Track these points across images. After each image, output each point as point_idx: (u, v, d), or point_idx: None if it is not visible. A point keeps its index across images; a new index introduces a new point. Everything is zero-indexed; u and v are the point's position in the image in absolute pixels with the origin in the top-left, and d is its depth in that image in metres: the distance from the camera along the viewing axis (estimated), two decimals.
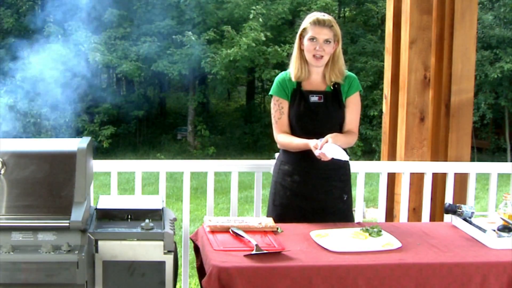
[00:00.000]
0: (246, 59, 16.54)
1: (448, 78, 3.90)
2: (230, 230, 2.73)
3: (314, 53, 3.06)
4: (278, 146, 3.21)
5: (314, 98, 3.10)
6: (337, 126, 3.11)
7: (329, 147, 2.82)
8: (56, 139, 3.02)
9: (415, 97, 3.90)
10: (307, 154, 3.03)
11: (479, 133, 17.59)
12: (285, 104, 3.14)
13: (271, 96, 3.19)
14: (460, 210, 2.92)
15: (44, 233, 2.52)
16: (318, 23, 3.06)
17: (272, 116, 3.19)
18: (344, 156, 2.85)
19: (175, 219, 2.80)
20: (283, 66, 3.33)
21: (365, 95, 16.53)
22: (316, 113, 3.09)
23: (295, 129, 3.13)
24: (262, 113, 19.97)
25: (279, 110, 3.15)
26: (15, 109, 15.27)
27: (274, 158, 3.31)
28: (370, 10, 19.31)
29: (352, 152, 15.42)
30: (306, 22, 3.12)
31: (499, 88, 16.83)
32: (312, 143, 2.92)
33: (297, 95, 3.12)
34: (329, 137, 2.87)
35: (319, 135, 2.94)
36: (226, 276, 2.34)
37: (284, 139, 3.14)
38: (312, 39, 3.06)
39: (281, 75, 3.22)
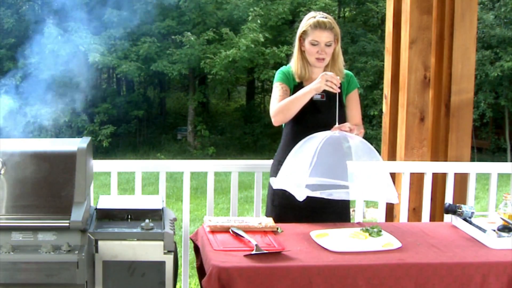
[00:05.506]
0: (245, 60, 16.55)
1: (448, 78, 3.90)
2: (230, 230, 2.73)
3: (317, 56, 3.07)
4: (276, 119, 3.09)
5: (317, 96, 3.08)
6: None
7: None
8: (56, 139, 3.02)
9: (415, 97, 3.90)
10: None
11: (479, 133, 17.58)
12: (289, 92, 3.13)
13: (276, 83, 3.16)
14: (460, 210, 2.92)
15: (44, 233, 2.52)
16: (318, 26, 3.05)
17: (273, 97, 3.13)
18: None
19: (175, 219, 2.80)
20: (281, 66, 3.34)
21: (365, 95, 16.51)
22: (319, 111, 3.09)
23: (297, 126, 3.11)
24: (262, 113, 19.94)
25: (283, 92, 3.11)
26: (15, 109, 15.26)
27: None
28: (370, 10, 19.31)
29: None
30: (306, 24, 3.09)
31: (499, 88, 16.84)
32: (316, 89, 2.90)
33: None
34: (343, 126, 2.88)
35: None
36: (226, 276, 2.33)
37: (283, 101, 3.05)
38: (313, 43, 3.06)
39: (285, 67, 3.22)
